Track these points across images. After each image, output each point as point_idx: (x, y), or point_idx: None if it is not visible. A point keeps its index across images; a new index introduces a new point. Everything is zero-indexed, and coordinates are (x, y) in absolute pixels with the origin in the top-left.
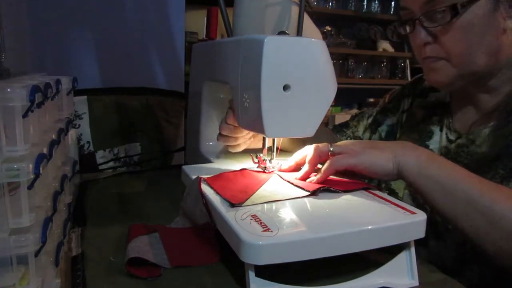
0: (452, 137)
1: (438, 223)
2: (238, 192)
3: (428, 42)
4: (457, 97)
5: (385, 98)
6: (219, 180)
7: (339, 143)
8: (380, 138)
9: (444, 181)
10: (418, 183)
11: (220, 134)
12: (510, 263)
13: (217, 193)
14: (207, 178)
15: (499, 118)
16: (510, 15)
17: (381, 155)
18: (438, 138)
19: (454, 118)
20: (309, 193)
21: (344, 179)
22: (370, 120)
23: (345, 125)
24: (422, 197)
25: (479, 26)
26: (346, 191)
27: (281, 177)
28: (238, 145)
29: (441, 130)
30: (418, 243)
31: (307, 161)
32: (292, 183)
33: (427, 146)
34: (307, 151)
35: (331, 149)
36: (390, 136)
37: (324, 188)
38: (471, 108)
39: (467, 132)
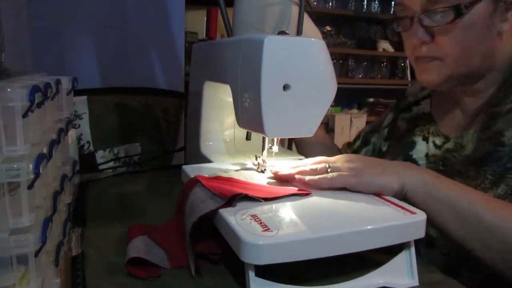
0: (439, 143)
1: (429, 231)
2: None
3: (425, 41)
4: (439, 104)
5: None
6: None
7: (337, 162)
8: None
9: (454, 203)
10: (426, 204)
11: None
12: None
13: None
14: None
15: (482, 122)
16: (504, 18)
17: (382, 176)
18: (422, 147)
19: (439, 124)
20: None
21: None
22: (359, 142)
23: (347, 145)
24: (429, 218)
25: (479, 28)
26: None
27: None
28: None
29: (425, 140)
30: None
31: (298, 169)
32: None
33: (410, 156)
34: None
35: (328, 170)
36: (373, 154)
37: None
38: (456, 111)
39: (455, 135)
